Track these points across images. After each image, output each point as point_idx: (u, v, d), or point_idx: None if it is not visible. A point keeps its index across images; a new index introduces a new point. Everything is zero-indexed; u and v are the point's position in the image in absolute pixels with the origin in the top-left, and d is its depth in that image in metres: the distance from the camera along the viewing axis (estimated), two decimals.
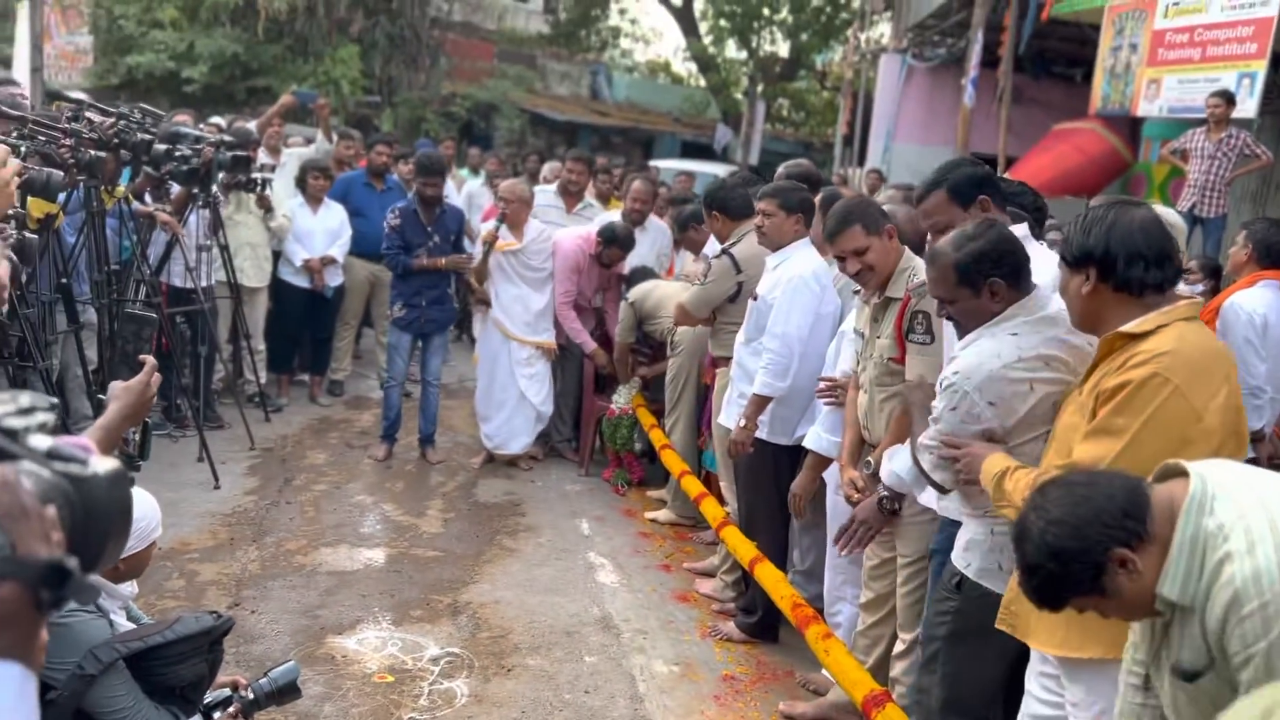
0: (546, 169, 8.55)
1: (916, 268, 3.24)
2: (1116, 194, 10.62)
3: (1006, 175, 4.01)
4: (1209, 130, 7.68)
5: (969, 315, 2.63)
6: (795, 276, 3.99)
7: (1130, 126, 10.96)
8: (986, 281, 2.55)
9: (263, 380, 6.90)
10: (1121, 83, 9.49)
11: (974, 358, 2.49)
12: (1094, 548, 1.67)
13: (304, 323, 7.24)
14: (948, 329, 2.87)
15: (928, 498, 2.82)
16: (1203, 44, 8.38)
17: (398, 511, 5.42)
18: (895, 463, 2.99)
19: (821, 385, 3.75)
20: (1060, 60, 12.93)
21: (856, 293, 3.48)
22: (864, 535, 3.21)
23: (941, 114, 13.41)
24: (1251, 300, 4.23)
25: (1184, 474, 1.72)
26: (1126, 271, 2.17)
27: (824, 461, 3.76)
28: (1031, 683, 2.44)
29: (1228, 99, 7.59)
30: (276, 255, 7.00)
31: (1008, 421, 2.46)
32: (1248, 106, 7.75)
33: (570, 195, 6.81)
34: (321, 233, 7.07)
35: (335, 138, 8.55)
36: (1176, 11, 8.66)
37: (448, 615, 4.28)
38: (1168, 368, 2.07)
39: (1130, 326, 2.16)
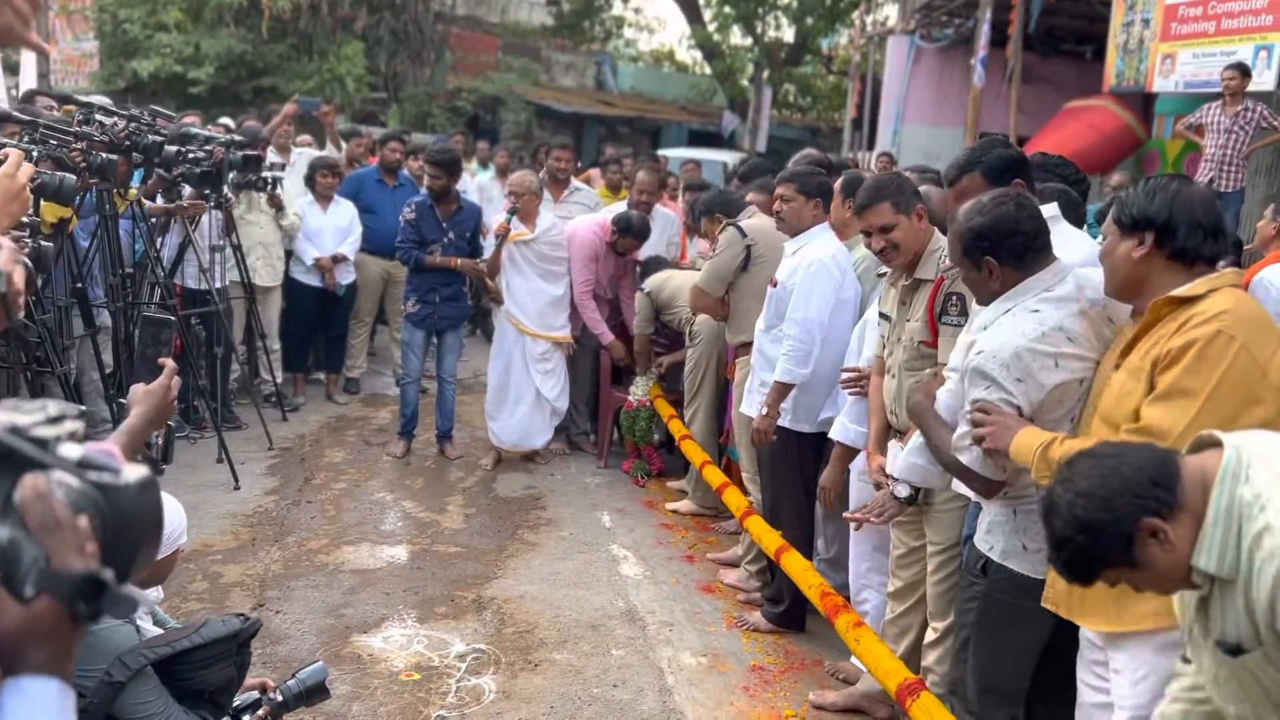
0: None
1: (948, 249, 3.20)
2: (1130, 171, 10.52)
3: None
4: (1225, 104, 7.59)
5: (973, 287, 2.65)
6: (815, 261, 3.94)
7: (1143, 103, 10.87)
8: (983, 259, 2.53)
9: (279, 380, 6.89)
10: (1135, 58, 9.39)
11: (998, 338, 2.46)
12: (1123, 519, 1.64)
13: (318, 321, 7.23)
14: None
15: (961, 484, 2.78)
16: (1217, 17, 8.29)
17: (418, 508, 5.40)
18: (909, 454, 2.93)
19: (845, 375, 3.70)
20: (1070, 38, 12.82)
21: (882, 275, 3.43)
22: (881, 517, 3.10)
23: (951, 95, 13.32)
24: (1276, 278, 4.17)
25: (1216, 445, 1.69)
26: (1186, 240, 2.18)
27: (851, 452, 3.72)
28: (1084, 671, 2.41)
29: (1243, 71, 7.50)
30: (289, 254, 6.98)
31: (1035, 398, 2.42)
32: (1266, 79, 7.66)
33: (557, 183, 6.78)
34: (331, 231, 7.04)
35: (343, 144, 8.53)
36: None
37: (472, 611, 4.26)
38: (1231, 325, 2.07)
39: (1182, 291, 2.18)
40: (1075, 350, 2.43)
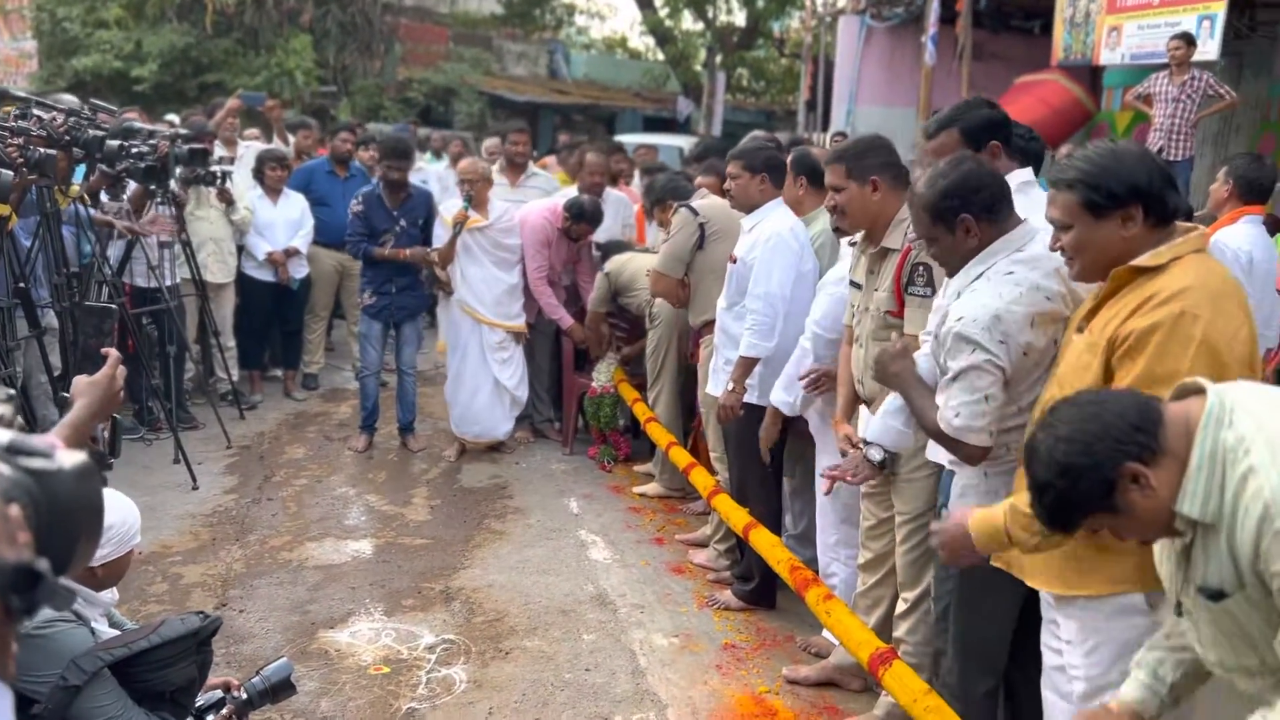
0: (487, 145, 8.41)
1: (914, 224, 3.18)
2: (1080, 144, 10.61)
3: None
4: (1171, 73, 7.67)
5: (950, 254, 2.60)
6: (773, 235, 3.93)
7: (1091, 76, 10.95)
8: (959, 218, 2.50)
9: (235, 377, 6.77)
10: (1082, 32, 9.47)
11: (976, 302, 2.43)
12: (1104, 463, 1.63)
13: (272, 317, 7.11)
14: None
15: (935, 451, 2.76)
16: None
17: (382, 501, 5.33)
18: (886, 418, 2.92)
19: (809, 376, 3.66)
20: (1018, 13, 12.87)
21: (854, 244, 3.40)
22: (855, 477, 3.09)
23: (903, 74, 13.33)
24: (1236, 237, 4.21)
25: (1199, 392, 1.68)
26: (1167, 199, 2.10)
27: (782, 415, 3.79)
28: (1045, 634, 2.41)
29: (1189, 41, 7.58)
30: (240, 250, 6.86)
31: (1015, 359, 2.41)
32: (1209, 48, 7.74)
33: (515, 167, 6.72)
34: (282, 224, 6.93)
35: (290, 138, 8.39)
36: None
37: (440, 602, 4.21)
38: (1194, 303, 2.01)
39: (1144, 260, 2.09)
40: (1053, 308, 2.42)
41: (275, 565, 4.49)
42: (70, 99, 5.80)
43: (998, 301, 2.40)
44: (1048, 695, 2.44)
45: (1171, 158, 7.63)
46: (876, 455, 2.93)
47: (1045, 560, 2.27)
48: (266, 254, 6.81)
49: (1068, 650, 2.29)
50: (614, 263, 5.70)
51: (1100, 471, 1.63)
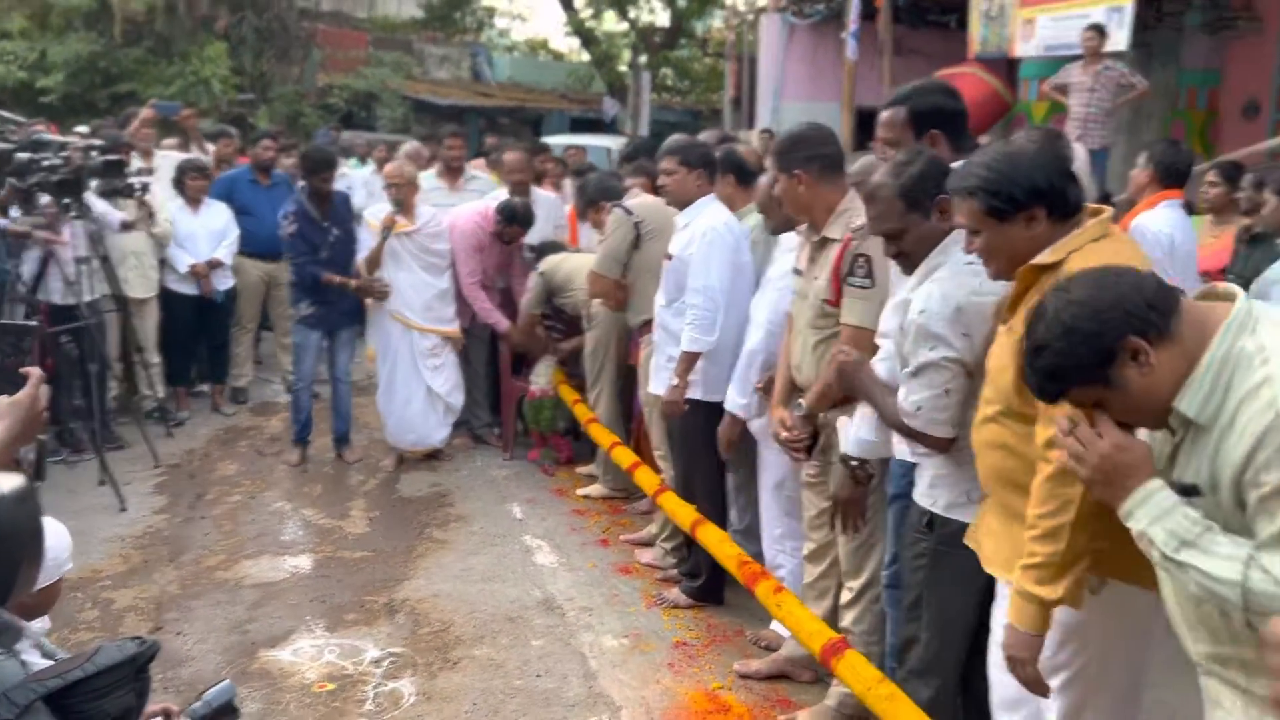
0: (406, 149, 8.27)
1: (857, 209, 3.17)
2: (999, 136, 10.84)
3: None
4: (1086, 64, 7.87)
5: (922, 242, 2.59)
6: (709, 229, 3.94)
7: (1007, 68, 11.19)
8: (934, 201, 2.51)
9: (160, 394, 6.57)
10: (998, 25, 9.67)
11: (938, 293, 2.43)
12: (1108, 331, 1.62)
13: (197, 331, 6.92)
14: (893, 272, 2.81)
15: (902, 450, 2.76)
16: None
17: (319, 515, 5.22)
18: (859, 430, 2.89)
19: (760, 387, 3.67)
20: (935, 8, 13.11)
21: (800, 231, 3.41)
22: (854, 513, 3.03)
23: (826, 70, 13.48)
24: (1157, 220, 4.31)
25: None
26: (1068, 194, 2.12)
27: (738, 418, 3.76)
28: (997, 612, 2.43)
29: (1101, 31, 7.78)
30: (162, 263, 6.66)
31: (980, 352, 2.41)
32: (1119, 39, 7.96)
33: (453, 171, 6.65)
34: (205, 235, 6.75)
35: (209, 147, 8.18)
36: None
37: (384, 615, 4.13)
38: None
39: (1042, 258, 2.11)
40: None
41: (211, 585, 4.37)
42: None
43: (960, 292, 2.40)
44: (994, 674, 2.46)
45: (1089, 147, 7.83)
46: (858, 465, 2.91)
47: (997, 546, 2.28)
48: (189, 266, 6.63)
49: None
50: (548, 263, 5.66)
51: (1102, 340, 1.62)
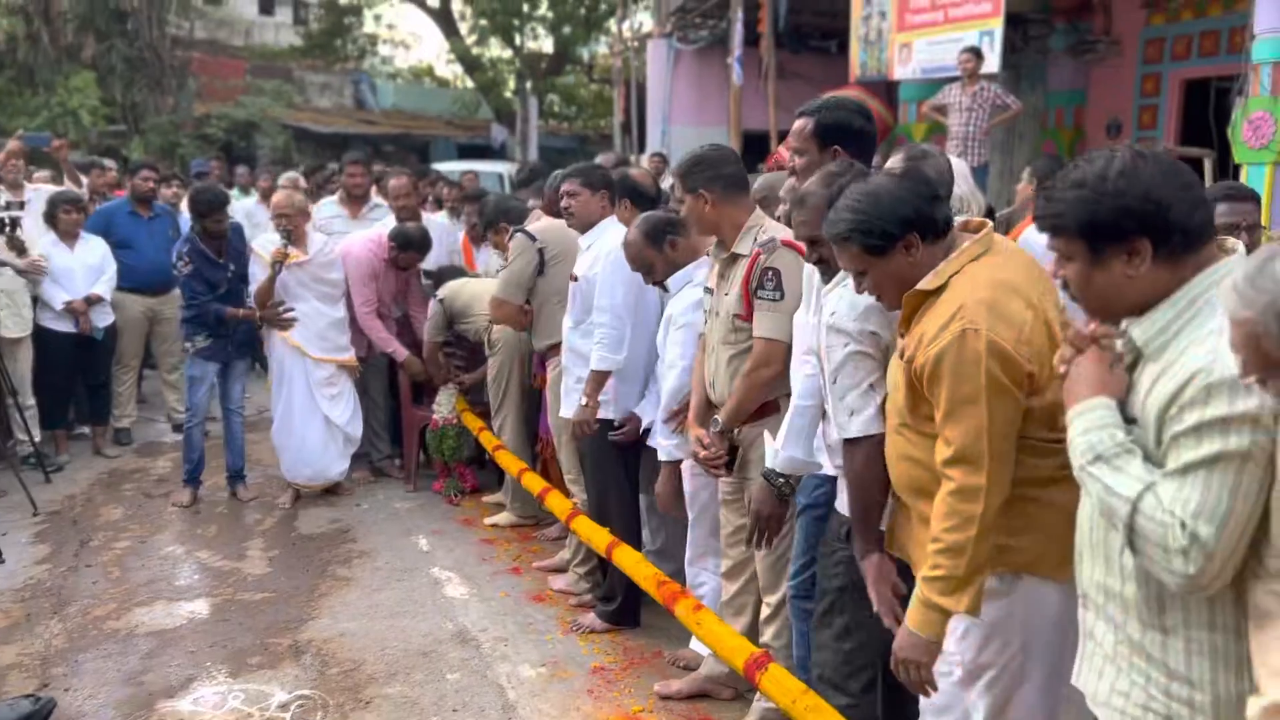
0: (285, 178, 8.09)
1: (764, 225, 3.23)
2: (882, 155, 11.15)
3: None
4: (963, 85, 8.19)
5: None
6: (613, 250, 3.94)
7: (887, 90, 11.57)
8: None
9: (37, 439, 6.23)
10: (876, 49, 9.99)
11: (847, 297, 2.47)
12: (1130, 218, 1.67)
13: (75, 371, 6.60)
14: (809, 282, 2.85)
15: (829, 466, 2.78)
16: (945, 6, 8.93)
17: (215, 557, 5.01)
18: (787, 448, 2.89)
19: (668, 419, 3.66)
20: (815, 34, 13.48)
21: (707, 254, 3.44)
22: (773, 528, 3.03)
23: (712, 94, 13.72)
24: (1042, 235, 4.48)
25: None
26: (936, 217, 2.19)
27: (676, 463, 3.72)
28: None
29: (978, 54, 8.12)
30: (35, 300, 6.34)
31: (886, 350, 2.45)
32: (991, 62, 8.32)
33: (355, 200, 6.53)
34: (81, 270, 6.45)
35: (83, 179, 7.85)
36: None
37: (290, 657, 3.98)
38: (972, 319, 2.06)
39: (925, 284, 2.17)
40: None
41: (101, 636, 4.14)
42: None
43: (869, 297, 2.42)
44: None
45: (970, 164, 8.14)
46: (798, 461, 2.90)
47: (921, 553, 2.32)
48: (65, 303, 6.32)
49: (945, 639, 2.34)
50: (448, 289, 5.58)
51: (1119, 224, 1.68)
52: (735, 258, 3.23)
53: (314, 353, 5.68)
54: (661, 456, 3.78)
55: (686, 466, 3.64)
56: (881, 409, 2.45)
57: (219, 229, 5.60)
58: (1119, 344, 1.78)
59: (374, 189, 6.85)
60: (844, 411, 2.48)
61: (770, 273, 3.04)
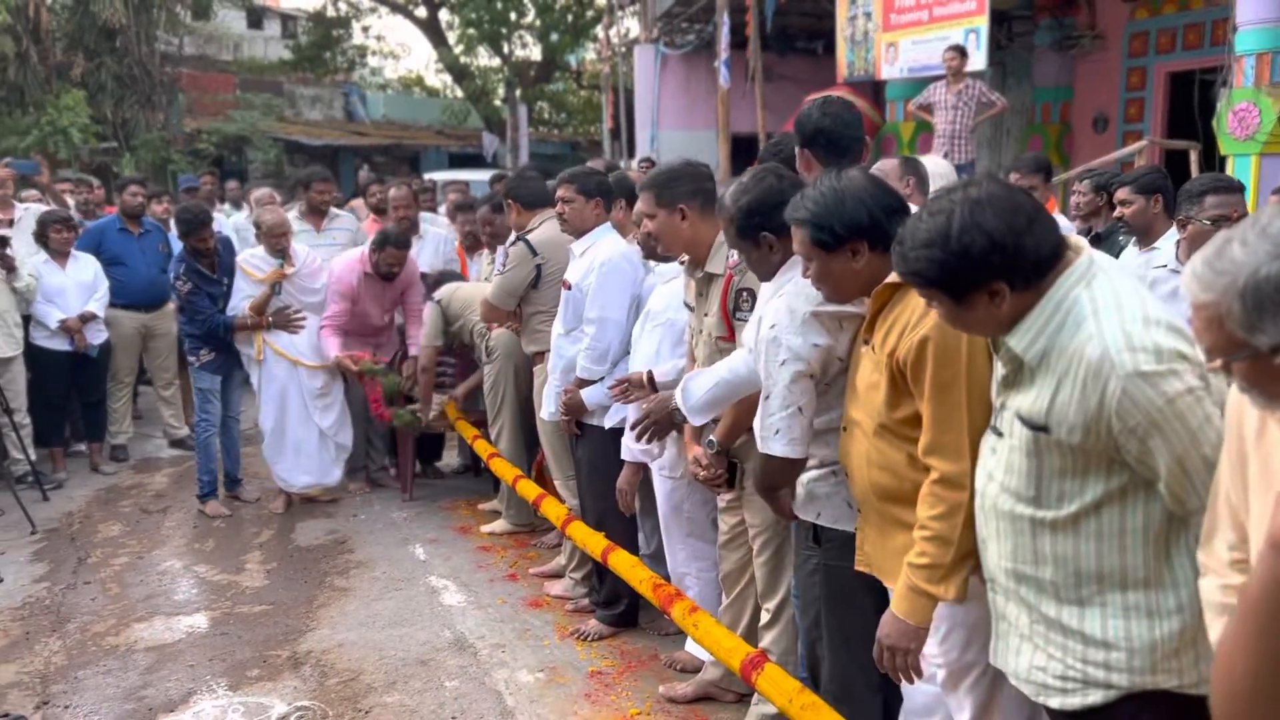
0: (259, 195, 8.07)
1: (724, 235, 3.22)
2: (872, 155, 11.20)
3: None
4: (949, 83, 8.22)
5: (755, 265, 2.69)
6: (606, 260, 3.94)
7: (874, 90, 11.60)
8: (760, 235, 2.58)
9: (33, 457, 6.25)
10: (862, 49, 10.04)
11: (784, 308, 2.47)
12: (984, 273, 1.78)
13: (70, 388, 6.61)
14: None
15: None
16: (929, 5, 8.97)
17: (213, 571, 5.02)
18: (697, 411, 3.00)
19: (614, 389, 3.65)
20: (802, 35, 13.53)
21: (683, 264, 3.44)
22: (654, 430, 3.27)
23: (700, 97, 13.77)
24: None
25: (1076, 251, 1.82)
26: (890, 229, 2.15)
27: (638, 464, 3.77)
28: None
29: (962, 52, 8.15)
30: (27, 320, 6.35)
31: (830, 366, 2.46)
32: (977, 59, 8.35)
33: (317, 213, 6.53)
34: (74, 288, 6.46)
35: (70, 201, 7.86)
36: None
37: (289, 669, 3.99)
38: None
39: (894, 277, 2.16)
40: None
41: (101, 653, 4.15)
42: None
43: (805, 304, 2.44)
44: (905, 685, 2.50)
45: (955, 161, 8.17)
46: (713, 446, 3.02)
47: (893, 561, 2.32)
48: (59, 321, 6.33)
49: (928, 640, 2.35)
50: (444, 291, 5.57)
51: (979, 274, 1.78)
52: (711, 277, 3.21)
53: (307, 360, 5.72)
54: (625, 456, 3.81)
55: (654, 468, 3.66)
56: (807, 435, 2.48)
57: (204, 247, 5.65)
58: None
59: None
60: (770, 428, 2.49)
61: (745, 293, 3.02)
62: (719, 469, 3.14)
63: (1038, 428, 1.78)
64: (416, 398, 5.82)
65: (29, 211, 6.97)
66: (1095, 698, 1.79)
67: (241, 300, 5.66)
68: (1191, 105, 9.04)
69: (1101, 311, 1.72)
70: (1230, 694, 1.20)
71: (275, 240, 5.61)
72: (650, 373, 3.51)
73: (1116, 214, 4.39)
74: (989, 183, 1.82)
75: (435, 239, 6.53)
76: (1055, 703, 1.84)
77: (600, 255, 3.99)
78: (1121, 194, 4.30)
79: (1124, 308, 1.72)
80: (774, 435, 2.49)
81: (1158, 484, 1.71)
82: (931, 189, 3.64)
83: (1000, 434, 1.90)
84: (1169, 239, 4.07)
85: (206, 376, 5.78)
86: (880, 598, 2.49)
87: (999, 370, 1.91)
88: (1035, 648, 1.87)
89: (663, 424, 3.27)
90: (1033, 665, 1.88)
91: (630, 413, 3.69)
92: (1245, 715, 1.18)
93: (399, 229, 5.89)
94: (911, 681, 2.25)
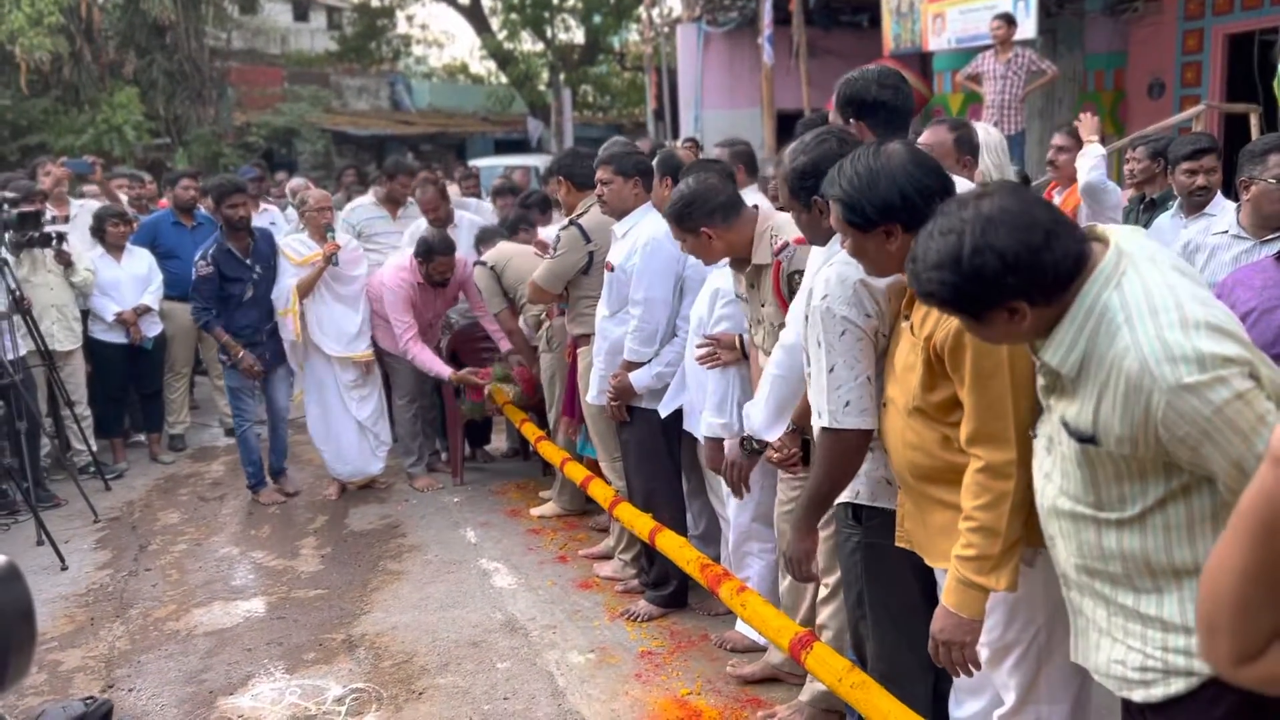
0: (294, 184, 8.13)
1: (777, 225, 3.15)
2: (917, 128, 11.00)
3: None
4: (997, 52, 8.05)
5: (807, 228, 2.64)
6: (649, 240, 3.91)
7: (921, 62, 11.41)
8: (811, 199, 2.53)
9: (94, 448, 6.40)
10: (909, 21, 9.87)
11: (834, 277, 2.40)
12: (998, 294, 1.70)
13: (127, 380, 6.76)
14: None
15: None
16: None
17: (269, 557, 5.11)
18: (768, 424, 2.97)
19: (700, 351, 3.60)
20: (846, 9, 13.32)
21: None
22: (739, 475, 3.33)
23: (744, 76, 13.63)
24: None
25: (1104, 242, 1.73)
26: (925, 213, 2.04)
27: (720, 441, 3.69)
28: None
29: (1009, 20, 7.98)
30: (85, 314, 6.50)
31: (886, 329, 2.40)
32: (1026, 27, 8.18)
33: (394, 203, 6.59)
34: (130, 282, 6.59)
35: (122, 196, 8.00)
36: None
37: (344, 651, 4.05)
38: None
39: None
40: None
41: (162, 637, 4.25)
42: None
43: (855, 271, 2.36)
44: None
45: (1005, 132, 8.00)
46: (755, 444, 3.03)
47: (934, 540, 2.29)
48: (116, 315, 6.47)
49: None
50: (494, 255, 5.52)
51: (995, 294, 1.70)
52: (760, 269, 3.18)
53: (339, 351, 5.76)
54: (704, 433, 3.69)
55: (727, 445, 3.63)
56: (875, 401, 2.40)
57: (235, 215, 5.61)
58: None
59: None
60: (838, 400, 2.39)
61: (798, 276, 2.98)
62: (794, 448, 3.08)
63: (1086, 439, 1.71)
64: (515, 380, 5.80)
65: (84, 207, 7.12)
66: (1178, 686, 1.71)
67: (288, 281, 5.69)
68: (1251, 67, 8.76)
69: (1135, 319, 1.62)
70: (1215, 598, 1.18)
71: (319, 215, 5.64)
72: (741, 336, 3.44)
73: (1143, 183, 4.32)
74: (1002, 195, 1.71)
75: (470, 226, 6.53)
76: (1138, 696, 1.76)
77: (643, 236, 3.96)
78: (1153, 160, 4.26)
79: (1158, 311, 1.60)
80: (844, 409, 2.38)
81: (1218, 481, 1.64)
82: (982, 161, 3.55)
83: (1050, 437, 1.84)
84: (1220, 204, 3.97)
85: (235, 375, 5.83)
86: (924, 574, 2.46)
87: (1040, 379, 1.84)
88: (1114, 641, 1.79)
89: (743, 465, 3.32)
90: (1112, 659, 1.80)
91: (688, 388, 3.70)
92: (1227, 621, 1.16)
93: (438, 234, 5.79)
94: (970, 675, 2.20)
